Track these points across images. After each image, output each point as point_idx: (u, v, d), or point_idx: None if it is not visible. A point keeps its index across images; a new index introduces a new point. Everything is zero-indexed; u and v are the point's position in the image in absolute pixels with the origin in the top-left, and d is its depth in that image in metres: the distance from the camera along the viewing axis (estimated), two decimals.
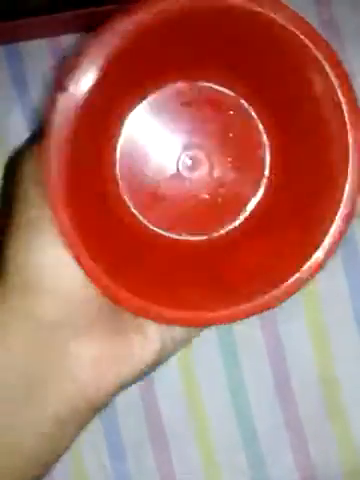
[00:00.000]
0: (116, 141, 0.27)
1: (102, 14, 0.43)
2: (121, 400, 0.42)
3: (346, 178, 0.23)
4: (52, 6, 0.44)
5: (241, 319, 0.27)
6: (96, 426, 0.42)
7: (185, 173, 0.27)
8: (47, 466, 0.29)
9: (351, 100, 0.22)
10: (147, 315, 0.26)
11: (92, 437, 0.42)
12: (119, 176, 0.27)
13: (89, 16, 0.44)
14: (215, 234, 0.28)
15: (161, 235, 0.28)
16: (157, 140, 0.27)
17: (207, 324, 0.27)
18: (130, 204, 0.27)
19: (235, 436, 0.42)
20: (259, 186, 0.27)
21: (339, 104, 0.22)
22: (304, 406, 0.42)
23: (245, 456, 0.42)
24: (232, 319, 0.27)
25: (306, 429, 0.42)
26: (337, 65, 0.22)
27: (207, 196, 0.27)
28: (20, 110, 0.44)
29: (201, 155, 0.27)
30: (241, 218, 0.27)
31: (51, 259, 0.26)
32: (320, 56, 0.22)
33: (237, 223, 0.28)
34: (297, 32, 0.22)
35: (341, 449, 0.41)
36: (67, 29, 0.44)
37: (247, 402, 0.42)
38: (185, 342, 0.31)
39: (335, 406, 0.42)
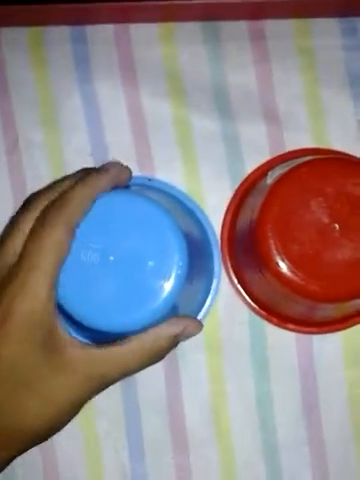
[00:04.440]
0: None
1: (168, 8, 0.43)
2: (146, 400, 0.42)
3: None
4: None
5: None
6: (118, 424, 0.42)
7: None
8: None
9: None
10: None
11: (113, 434, 0.42)
12: None
13: (157, 8, 0.43)
14: None
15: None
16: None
17: None
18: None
19: (256, 447, 0.42)
20: None
21: None
22: (329, 426, 0.42)
23: (264, 468, 0.42)
24: None
25: (328, 449, 0.42)
26: None
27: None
28: (79, 95, 0.43)
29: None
30: None
31: None
32: None
33: None
34: None
35: None
36: (135, 18, 0.44)
37: (272, 415, 0.42)
38: None
39: None
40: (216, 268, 0.41)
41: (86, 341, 0.34)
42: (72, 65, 0.44)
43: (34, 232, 0.33)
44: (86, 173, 0.35)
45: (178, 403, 0.42)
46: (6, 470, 0.35)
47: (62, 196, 0.34)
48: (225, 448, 0.42)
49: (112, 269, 0.33)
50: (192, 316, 0.38)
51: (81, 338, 0.34)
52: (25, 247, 0.33)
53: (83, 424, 0.42)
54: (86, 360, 0.34)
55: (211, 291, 0.41)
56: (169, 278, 0.33)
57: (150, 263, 0.33)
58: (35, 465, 0.42)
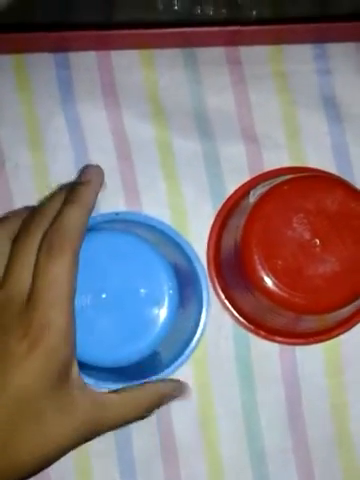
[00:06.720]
0: None
1: (149, 36, 0.45)
2: None
3: None
4: (104, 23, 0.45)
5: None
6: (108, 439, 0.43)
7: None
8: None
9: None
10: None
11: (103, 450, 0.43)
12: None
13: (138, 36, 0.45)
14: None
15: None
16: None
17: None
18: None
19: (244, 455, 0.43)
20: None
21: None
22: (313, 434, 0.43)
23: (251, 475, 0.43)
24: None
25: (313, 454, 0.43)
26: None
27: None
28: (62, 117, 0.45)
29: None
30: None
31: None
32: None
33: None
34: None
35: (346, 477, 0.43)
36: (116, 45, 0.45)
37: (258, 424, 0.43)
38: None
39: (343, 434, 0.43)
40: (205, 294, 0.43)
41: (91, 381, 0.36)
42: (56, 89, 0.45)
43: (41, 266, 0.33)
44: (70, 191, 0.36)
45: (167, 416, 0.43)
46: None
47: (58, 221, 0.34)
48: (213, 458, 0.43)
49: (106, 307, 0.34)
50: (180, 381, 0.40)
51: (86, 377, 0.35)
52: (36, 283, 0.33)
53: None
54: (86, 405, 0.34)
55: (202, 318, 0.42)
56: (162, 307, 0.35)
57: (142, 295, 0.35)
58: None
